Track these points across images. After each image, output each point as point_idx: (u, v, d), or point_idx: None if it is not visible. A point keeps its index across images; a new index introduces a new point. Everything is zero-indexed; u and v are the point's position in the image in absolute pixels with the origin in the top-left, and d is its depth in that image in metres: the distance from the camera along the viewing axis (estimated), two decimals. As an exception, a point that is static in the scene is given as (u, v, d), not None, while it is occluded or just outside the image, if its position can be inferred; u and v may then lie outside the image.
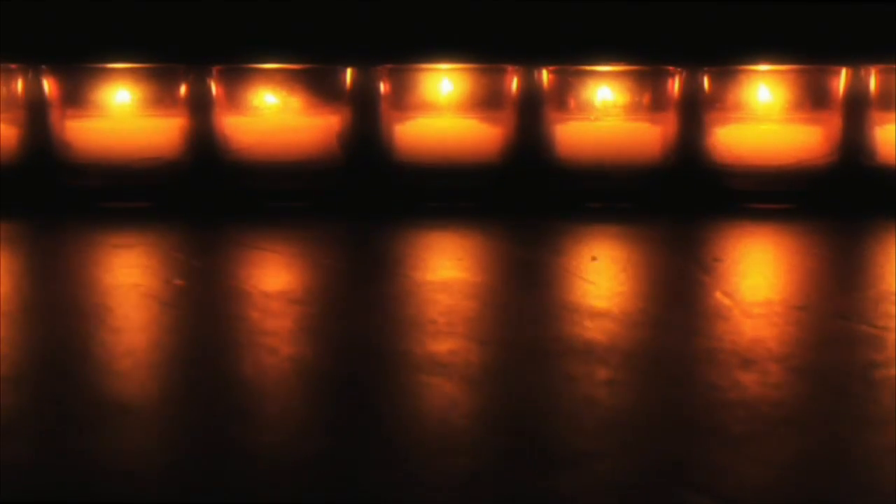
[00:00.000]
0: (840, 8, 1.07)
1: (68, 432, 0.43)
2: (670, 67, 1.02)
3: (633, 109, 1.01)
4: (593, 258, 0.80)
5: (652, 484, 0.38)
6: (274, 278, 0.74)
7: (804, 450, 0.42)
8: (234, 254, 0.86)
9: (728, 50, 1.04)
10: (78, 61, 1.01)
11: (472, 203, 1.02)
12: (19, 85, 1.02)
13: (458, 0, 1.09)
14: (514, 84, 1.02)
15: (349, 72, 1.02)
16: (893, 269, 0.76)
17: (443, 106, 1.01)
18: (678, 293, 0.72)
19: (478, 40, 1.04)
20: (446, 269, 0.77)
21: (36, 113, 1.02)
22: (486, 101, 1.01)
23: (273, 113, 1.01)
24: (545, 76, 1.02)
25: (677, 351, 0.56)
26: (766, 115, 1.01)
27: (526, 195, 1.04)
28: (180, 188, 1.02)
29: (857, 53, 1.02)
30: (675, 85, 1.02)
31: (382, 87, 1.02)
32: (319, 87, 1.02)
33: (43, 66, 1.02)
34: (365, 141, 1.03)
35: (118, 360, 0.53)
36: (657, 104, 1.01)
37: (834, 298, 0.70)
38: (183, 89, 1.02)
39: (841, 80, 1.01)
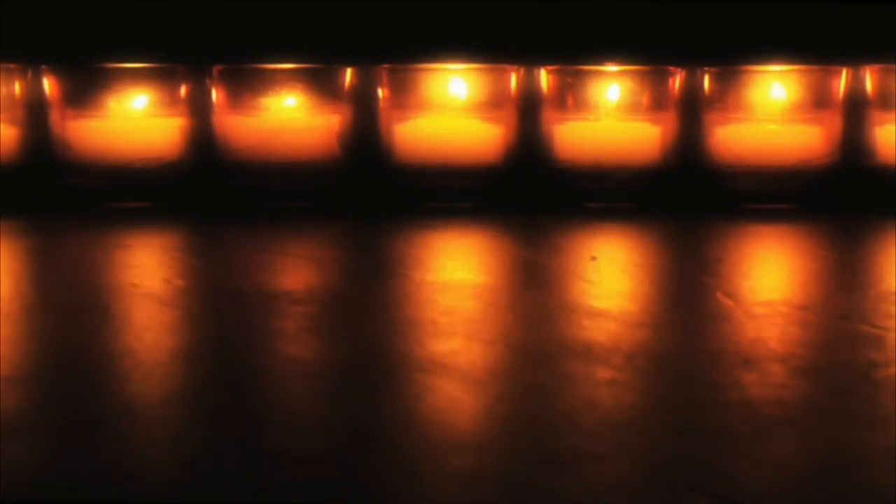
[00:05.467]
0: (840, 8, 1.07)
1: (69, 432, 0.43)
2: (670, 67, 1.02)
3: (633, 109, 1.01)
4: (593, 258, 0.80)
5: (652, 484, 0.38)
6: (274, 278, 0.74)
7: (805, 450, 0.42)
8: (234, 254, 0.86)
9: (728, 50, 1.04)
10: (78, 61, 1.01)
11: (472, 203, 1.02)
12: (19, 85, 1.02)
13: (458, 0, 1.09)
14: (514, 84, 1.02)
15: (349, 72, 1.02)
16: (893, 269, 0.76)
17: (443, 106, 1.01)
18: (679, 293, 0.72)
19: (478, 40, 1.04)
20: (446, 269, 0.77)
21: (36, 113, 1.02)
22: (486, 101, 1.01)
23: (273, 113, 1.01)
24: (545, 76, 1.02)
25: (678, 351, 0.56)
26: (766, 115, 1.01)
27: (526, 195, 1.04)
28: (180, 188, 1.02)
29: (857, 53, 1.02)
30: (675, 85, 1.02)
31: (382, 87, 1.02)
32: (319, 87, 1.02)
33: (43, 66, 1.02)
34: (365, 141, 1.03)
35: (119, 360, 0.53)
36: (657, 104, 1.01)
37: (835, 298, 0.70)
38: (183, 89, 1.02)
39: (841, 80, 1.01)
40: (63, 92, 1.01)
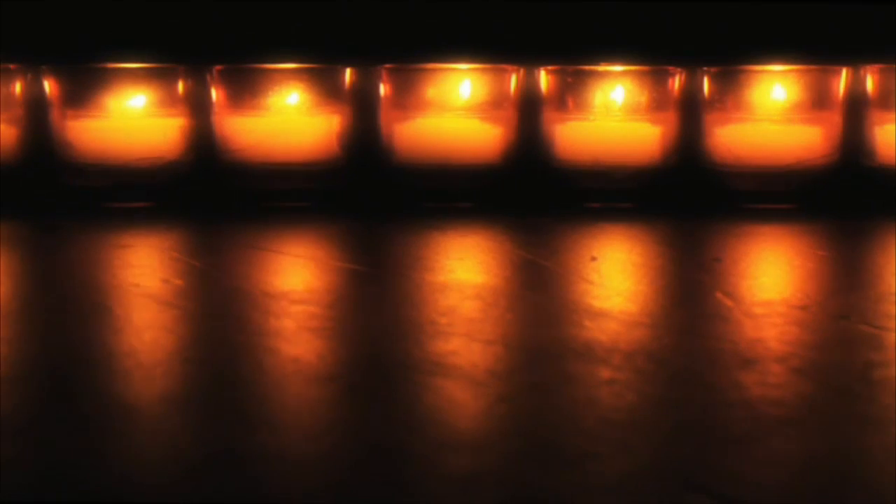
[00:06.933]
0: (840, 8, 1.07)
1: (69, 432, 0.43)
2: (670, 67, 1.02)
3: (633, 109, 1.01)
4: (593, 258, 0.80)
5: (652, 484, 0.38)
6: (274, 278, 0.74)
7: (805, 450, 0.42)
8: (234, 254, 0.86)
9: (728, 50, 1.04)
10: (78, 61, 1.01)
11: (472, 203, 1.02)
12: (19, 85, 1.02)
13: (459, 0, 1.09)
14: (513, 84, 1.02)
15: (349, 72, 1.02)
16: (893, 269, 0.76)
17: (443, 106, 1.01)
18: (678, 293, 0.72)
19: (478, 40, 1.04)
20: (446, 270, 0.77)
21: (36, 113, 1.02)
22: (486, 102, 1.01)
23: (273, 113, 1.01)
24: (545, 76, 1.02)
25: (678, 351, 0.56)
26: (766, 115, 1.01)
27: (526, 195, 1.04)
28: (181, 188, 1.02)
29: (857, 53, 1.02)
30: (675, 85, 1.02)
31: (382, 87, 1.02)
32: (319, 87, 1.02)
33: (43, 66, 1.02)
34: (365, 141, 1.03)
35: (119, 361, 0.53)
36: (657, 104, 1.01)
37: (834, 298, 0.70)
38: (183, 89, 1.02)
39: (841, 80, 1.01)
40: (63, 92, 1.01)
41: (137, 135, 1.01)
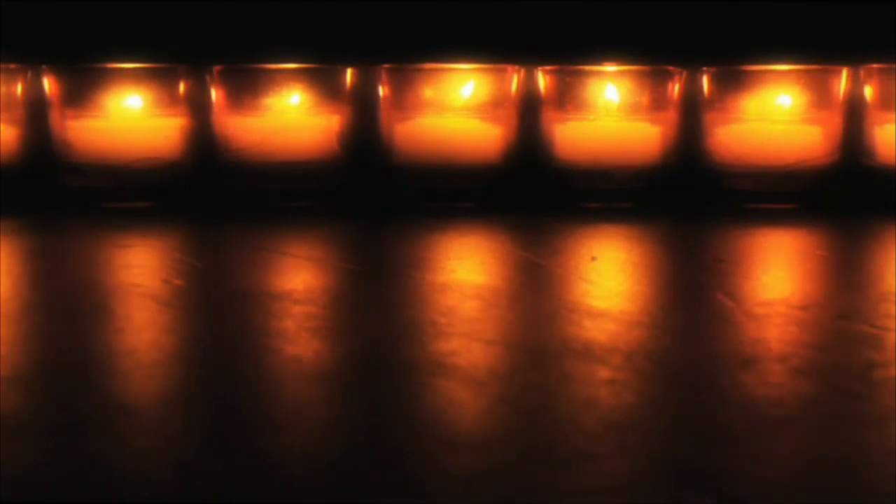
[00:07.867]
0: (840, 8, 1.07)
1: (69, 432, 0.43)
2: (670, 67, 1.02)
3: (633, 109, 1.01)
4: (593, 258, 0.80)
5: (653, 484, 0.38)
6: (275, 279, 0.74)
7: (805, 450, 0.42)
8: (235, 254, 0.86)
9: (728, 50, 1.04)
10: (78, 61, 1.01)
11: (472, 203, 1.02)
12: (19, 85, 1.02)
13: (459, 0, 1.09)
14: (514, 84, 1.02)
15: (349, 72, 1.02)
16: (893, 269, 0.76)
17: (443, 106, 1.01)
18: (679, 293, 0.72)
19: (478, 40, 1.04)
20: (446, 270, 0.77)
21: (36, 113, 1.02)
22: (486, 101, 1.01)
23: (273, 113, 1.01)
24: (545, 76, 1.02)
25: (678, 351, 0.56)
26: (766, 115, 1.01)
27: (526, 195, 1.04)
28: (181, 188, 1.02)
29: (857, 53, 1.02)
30: (675, 85, 1.02)
31: (382, 87, 1.02)
32: (319, 87, 1.02)
33: (43, 66, 1.02)
34: (365, 141, 1.03)
35: (119, 360, 0.53)
36: (657, 104, 1.01)
37: (835, 298, 0.70)
38: (183, 89, 1.02)
39: (841, 80, 1.01)
40: (63, 92, 1.01)
41: (137, 135, 1.01)
